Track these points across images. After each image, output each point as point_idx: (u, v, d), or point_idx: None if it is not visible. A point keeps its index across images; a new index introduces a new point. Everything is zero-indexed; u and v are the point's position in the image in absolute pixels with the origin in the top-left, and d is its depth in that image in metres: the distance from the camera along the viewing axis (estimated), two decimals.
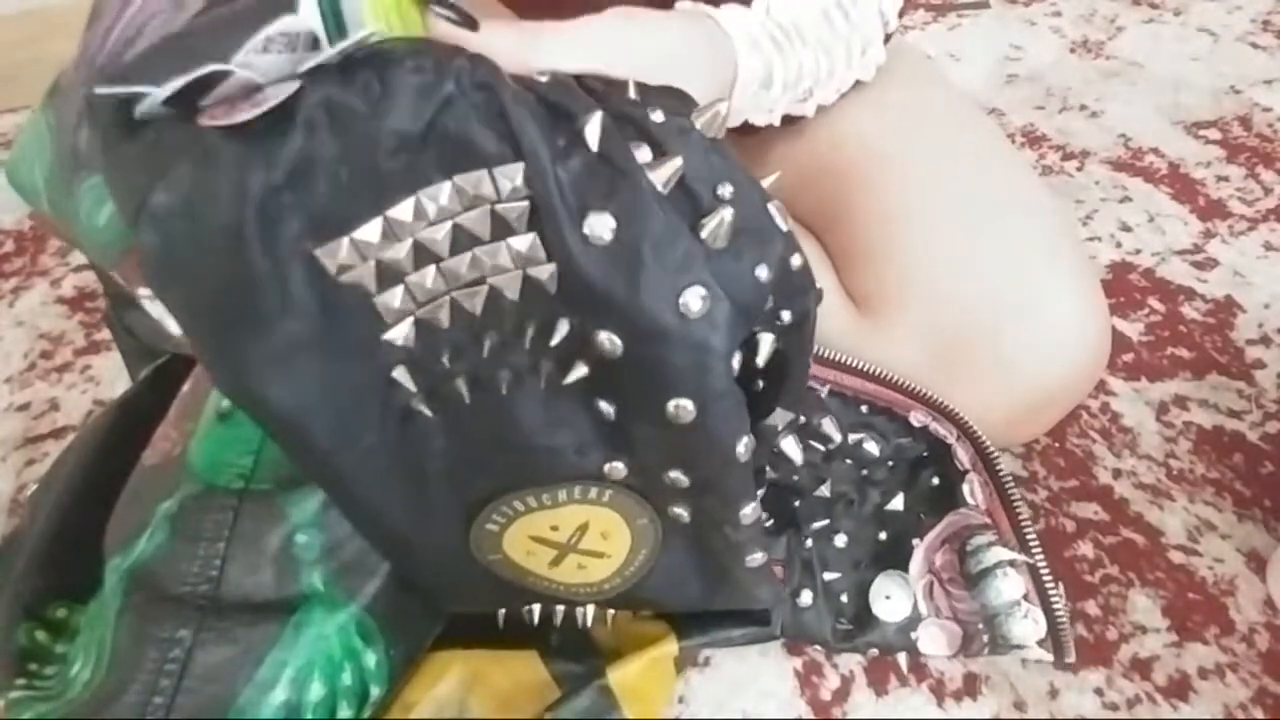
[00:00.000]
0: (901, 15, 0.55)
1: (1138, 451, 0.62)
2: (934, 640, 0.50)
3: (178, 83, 0.28)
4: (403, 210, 0.30)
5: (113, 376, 0.72)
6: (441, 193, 0.30)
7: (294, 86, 0.28)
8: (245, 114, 0.28)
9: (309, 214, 0.30)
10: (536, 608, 0.47)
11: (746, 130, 0.52)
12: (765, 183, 0.35)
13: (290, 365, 0.31)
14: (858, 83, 0.54)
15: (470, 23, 0.33)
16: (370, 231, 0.30)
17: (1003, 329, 0.49)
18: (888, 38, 0.54)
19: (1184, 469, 0.61)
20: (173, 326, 0.34)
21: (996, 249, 0.50)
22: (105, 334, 0.75)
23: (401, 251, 0.31)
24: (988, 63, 1.07)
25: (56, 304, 0.81)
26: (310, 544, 0.40)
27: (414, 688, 0.45)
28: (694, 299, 0.30)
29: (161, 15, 0.37)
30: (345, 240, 0.30)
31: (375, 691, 0.43)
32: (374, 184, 0.30)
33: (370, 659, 0.42)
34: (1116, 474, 0.61)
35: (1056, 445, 0.63)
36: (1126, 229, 0.81)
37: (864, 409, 0.52)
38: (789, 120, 0.53)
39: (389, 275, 0.32)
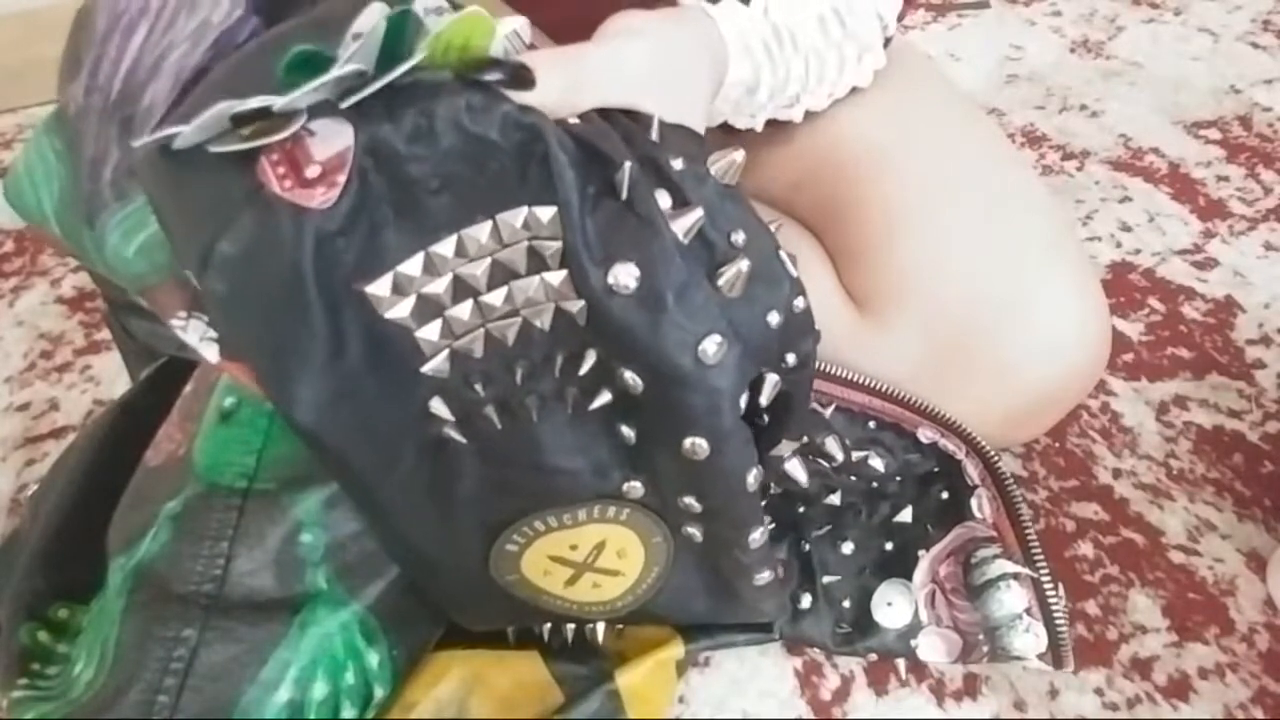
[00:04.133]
0: (902, 18, 0.55)
1: (1138, 451, 0.62)
2: (933, 648, 0.50)
3: (208, 119, 0.29)
4: (445, 246, 0.32)
5: (113, 376, 0.72)
6: (483, 231, 0.32)
7: (348, 135, 0.29)
8: (319, 198, 0.29)
9: (358, 253, 0.31)
10: (547, 625, 0.47)
11: (735, 131, 0.52)
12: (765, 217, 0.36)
13: (338, 403, 0.32)
14: (855, 87, 0.54)
15: (523, 80, 0.32)
16: (412, 266, 0.32)
17: (1002, 328, 0.49)
18: (887, 41, 0.54)
19: (1184, 469, 0.61)
20: (209, 354, 0.36)
21: (996, 248, 0.50)
22: (105, 334, 0.75)
23: (441, 286, 0.32)
24: (988, 63, 1.07)
25: (56, 304, 0.81)
26: (314, 543, 0.40)
27: (415, 688, 0.45)
28: (711, 346, 0.32)
29: (180, 49, 0.38)
30: (389, 274, 0.31)
31: (379, 692, 0.43)
32: (418, 221, 0.31)
33: (373, 659, 0.42)
34: (1116, 474, 0.61)
35: (1056, 445, 0.63)
36: (1126, 229, 0.81)
37: (871, 424, 0.52)
38: (773, 124, 0.53)
39: (428, 309, 0.33)
